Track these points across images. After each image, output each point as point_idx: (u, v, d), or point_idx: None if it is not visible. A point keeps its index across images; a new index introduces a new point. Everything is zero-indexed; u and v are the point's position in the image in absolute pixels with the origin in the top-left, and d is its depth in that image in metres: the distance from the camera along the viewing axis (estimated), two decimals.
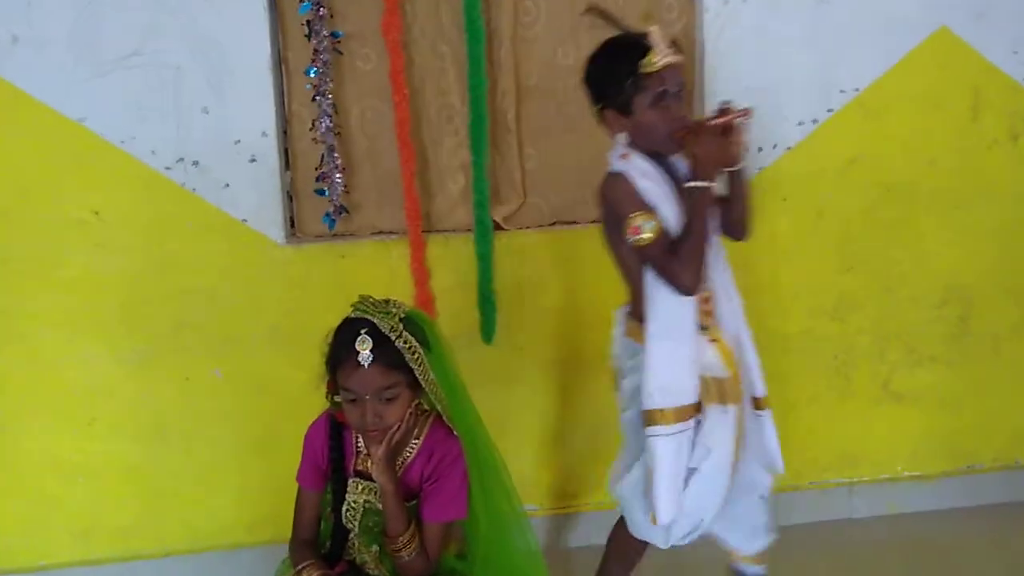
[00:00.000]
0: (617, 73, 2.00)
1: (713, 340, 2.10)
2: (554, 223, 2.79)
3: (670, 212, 2.01)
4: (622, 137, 2.05)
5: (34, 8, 2.43)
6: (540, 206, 2.78)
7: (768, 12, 2.69)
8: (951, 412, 2.98)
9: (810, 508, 2.94)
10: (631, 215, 1.97)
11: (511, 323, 2.74)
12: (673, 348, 2.03)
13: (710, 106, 2.70)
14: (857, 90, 2.78)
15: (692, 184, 1.99)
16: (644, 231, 1.96)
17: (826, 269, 2.86)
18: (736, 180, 2.15)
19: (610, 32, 2.10)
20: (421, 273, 2.67)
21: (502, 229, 2.72)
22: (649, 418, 2.03)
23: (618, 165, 2.04)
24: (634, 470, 2.15)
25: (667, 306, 2.02)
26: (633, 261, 2.07)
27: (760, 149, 2.76)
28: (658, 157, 2.06)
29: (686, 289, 1.99)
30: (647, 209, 1.97)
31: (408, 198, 2.63)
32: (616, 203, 2.02)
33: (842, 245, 2.87)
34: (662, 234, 1.97)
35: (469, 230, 2.68)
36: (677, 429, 2.03)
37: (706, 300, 2.09)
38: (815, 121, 2.77)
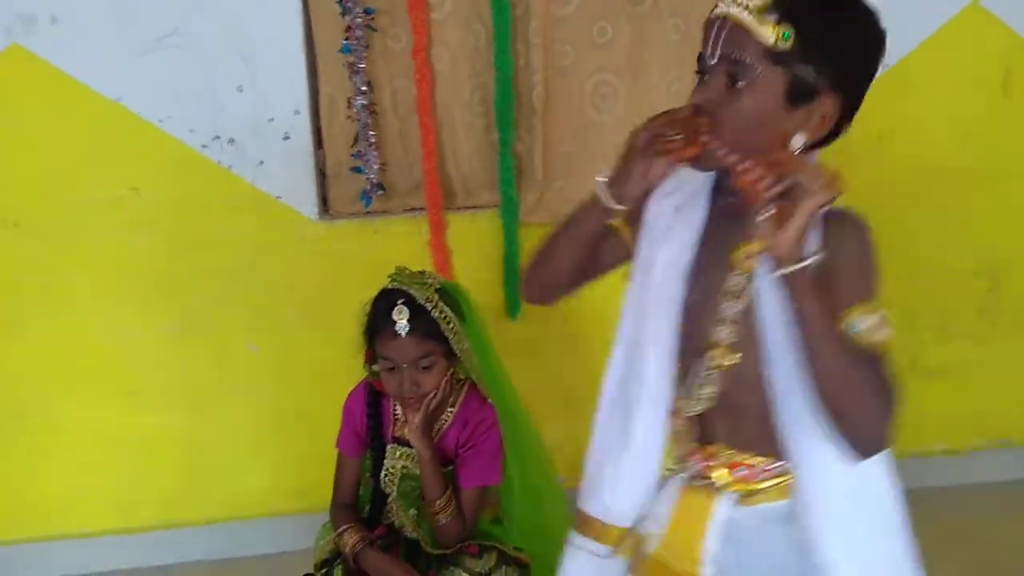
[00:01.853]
0: None
1: None
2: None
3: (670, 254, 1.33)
4: None
5: None
6: (569, 190, 2.77)
7: None
8: (981, 388, 2.98)
9: None
10: None
11: None
12: None
13: None
14: (887, 65, 2.78)
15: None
16: None
17: None
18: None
19: None
20: (441, 252, 2.71)
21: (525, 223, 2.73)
22: None
23: None
24: None
25: None
26: None
27: None
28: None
29: None
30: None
31: (428, 180, 2.67)
32: None
33: (871, 219, 2.87)
34: None
35: (496, 206, 2.71)
36: None
37: None
38: None
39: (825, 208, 1.16)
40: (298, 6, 2.56)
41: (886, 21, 2.83)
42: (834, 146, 2.81)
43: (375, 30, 2.61)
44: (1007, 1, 2.77)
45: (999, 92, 2.83)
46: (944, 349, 2.95)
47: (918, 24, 2.77)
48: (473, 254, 2.74)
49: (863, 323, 1.22)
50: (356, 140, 2.65)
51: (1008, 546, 2.71)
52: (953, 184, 2.87)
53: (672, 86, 2.75)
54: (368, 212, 2.70)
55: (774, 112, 1.20)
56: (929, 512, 2.80)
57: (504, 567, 1.84)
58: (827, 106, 1.24)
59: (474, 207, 2.75)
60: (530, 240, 2.74)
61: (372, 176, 2.67)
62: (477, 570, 1.83)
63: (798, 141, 1.20)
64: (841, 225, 1.25)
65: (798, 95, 1.19)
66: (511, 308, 2.77)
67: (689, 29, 2.70)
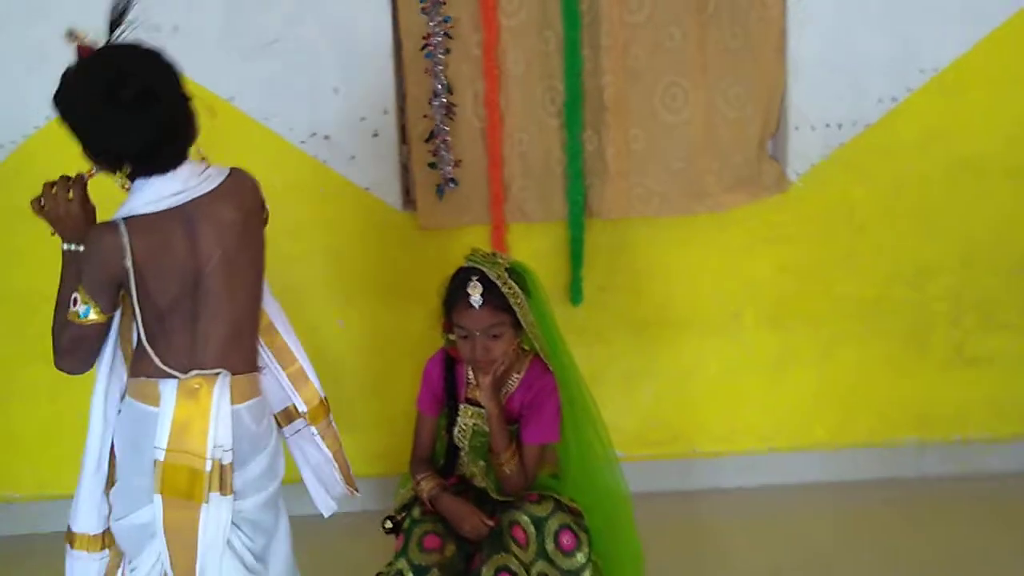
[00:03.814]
0: None
1: None
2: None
3: None
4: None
5: (192, 2, 2.80)
6: (638, 186, 2.95)
7: None
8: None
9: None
10: None
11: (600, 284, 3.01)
12: None
13: (798, 85, 2.90)
14: (936, 69, 2.93)
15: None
16: None
17: (904, 239, 3.03)
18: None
19: None
20: (500, 245, 2.93)
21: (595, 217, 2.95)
22: (325, 405, 2.01)
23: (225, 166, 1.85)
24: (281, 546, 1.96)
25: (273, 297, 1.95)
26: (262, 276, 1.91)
27: (840, 126, 2.95)
28: None
29: None
30: None
31: (492, 167, 2.89)
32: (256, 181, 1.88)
33: (920, 217, 3.03)
34: None
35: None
36: None
37: None
38: (894, 99, 2.94)
39: None
40: (388, 15, 2.83)
41: (935, 28, 3.00)
42: (883, 147, 2.98)
43: (452, 36, 2.85)
44: None
45: None
46: (988, 339, 3.07)
47: (965, 31, 2.90)
48: (543, 242, 2.97)
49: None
50: (431, 137, 2.91)
51: None
52: (999, 183, 3.00)
53: (731, 89, 2.93)
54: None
55: None
56: (967, 496, 2.98)
57: (559, 513, 2.06)
58: None
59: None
60: (596, 233, 2.97)
61: (446, 170, 2.92)
62: (536, 514, 2.05)
63: None
64: None
65: None
66: (574, 295, 3.00)
67: (748, 36, 2.89)
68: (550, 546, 2.04)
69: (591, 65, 2.86)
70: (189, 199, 1.73)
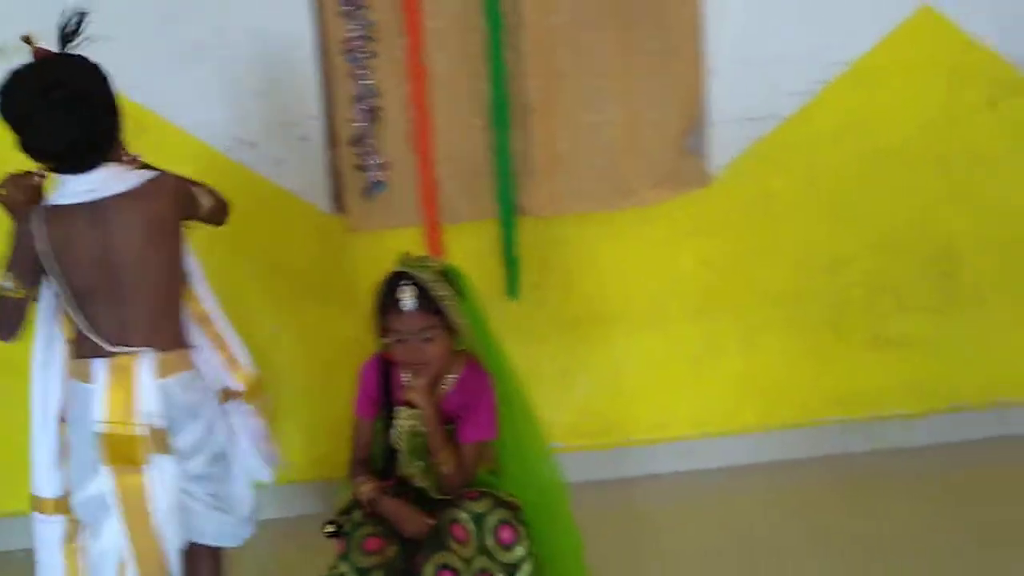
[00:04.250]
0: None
1: None
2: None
3: None
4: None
5: (115, 10, 2.74)
6: (563, 184, 3.01)
7: None
8: (937, 356, 3.24)
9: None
10: (194, 184, 2.08)
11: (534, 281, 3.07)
12: None
13: (716, 81, 2.99)
14: (848, 63, 3.04)
15: None
16: None
17: (820, 228, 3.14)
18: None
19: None
20: (436, 246, 2.97)
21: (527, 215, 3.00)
22: (259, 383, 2.21)
23: (151, 171, 2.03)
24: (236, 486, 2.16)
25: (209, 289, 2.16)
26: (180, 267, 2.06)
27: (757, 119, 3.04)
28: None
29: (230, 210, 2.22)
30: None
31: (423, 170, 2.92)
32: (185, 189, 2.05)
33: (835, 206, 3.15)
34: None
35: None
36: None
37: None
38: (809, 92, 3.04)
39: None
40: (310, 19, 2.83)
41: (850, 18, 3.11)
42: (798, 139, 3.09)
43: (375, 39, 2.86)
44: (956, 4, 3.02)
45: (950, 86, 3.09)
46: (903, 322, 3.21)
47: (879, 21, 3.02)
48: (474, 242, 3.01)
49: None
50: (358, 141, 2.92)
51: (962, 501, 2.96)
52: (910, 171, 3.13)
53: (652, 90, 3.00)
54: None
55: None
56: (891, 469, 3.12)
57: (498, 509, 2.09)
58: None
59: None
60: (527, 231, 3.02)
61: (373, 173, 2.94)
62: (476, 511, 2.08)
63: None
64: None
65: None
66: (511, 291, 3.05)
67: (666, 36, 2.96)
68: (490, 541, 2.08)
69: (515, 67, 2.91)
70: (100, 197, 1.91)
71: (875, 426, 3.28)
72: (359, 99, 2.90)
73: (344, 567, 2.08)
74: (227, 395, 2.17)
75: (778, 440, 3.22)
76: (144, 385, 1.94)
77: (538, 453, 2.33)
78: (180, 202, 2.03)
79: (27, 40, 1.91)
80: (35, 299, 1.99)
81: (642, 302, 3.12)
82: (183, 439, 2.00)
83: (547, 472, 2.33)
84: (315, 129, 2.91)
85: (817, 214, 3.13)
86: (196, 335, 2.12)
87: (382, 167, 2.95)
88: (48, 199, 1.94)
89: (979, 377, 3.28)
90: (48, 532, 2.08)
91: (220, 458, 2.11)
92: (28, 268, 1.93)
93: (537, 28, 2.89)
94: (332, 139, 2.96)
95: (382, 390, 2.25)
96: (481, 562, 2.07)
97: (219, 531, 2.13)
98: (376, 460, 2.30)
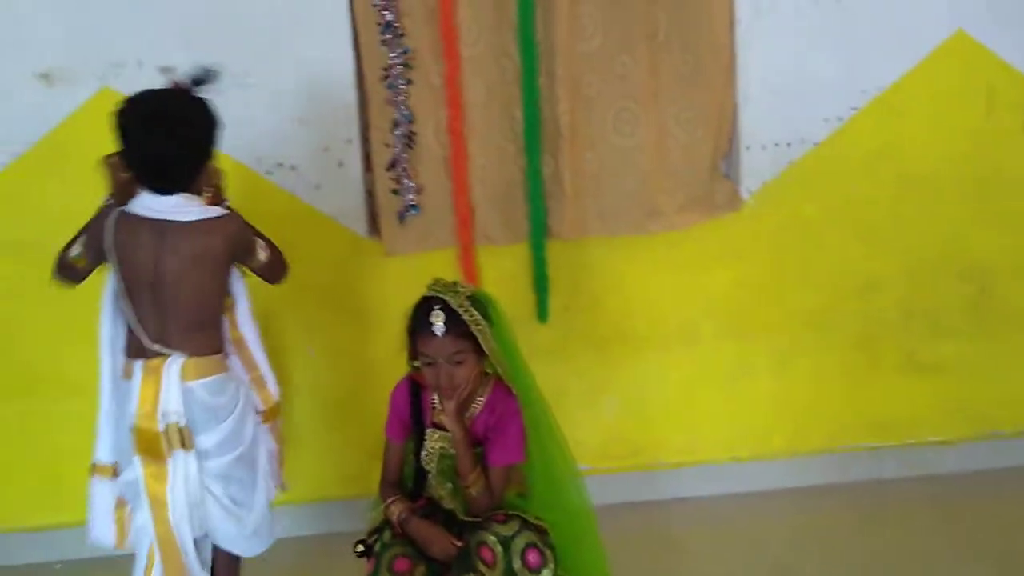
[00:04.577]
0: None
1: None
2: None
3: None
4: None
5: (156, 37, 2.86)
6: (594, 207, 3.05)
7: (795, 18, 2.98)
8: (971, 382, 3.22)
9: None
10: (257, 240, 2.27)
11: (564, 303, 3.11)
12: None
13: (749, 107, 3.01)
14: (879, 89, 3.05)
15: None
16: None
17: (853, 252, 3.14)
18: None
19: None
20: (470, 269, 3.03)
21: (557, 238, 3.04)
22: (277, 410, 2.38)
23: (215, 210, 2.20)
24: (259, 492, 2.30)
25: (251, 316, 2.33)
26: (223, 297, 2.25)
27: (789, 144, 3.06)
28: None
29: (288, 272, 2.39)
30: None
31: (458, 193, 2.97)
32: (244, 237, 2.24)
33: (868, 231, 3.15)
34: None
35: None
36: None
37: None
38: (840, 118, 3.05)
39: None
40: (350, 47, 2.90)
41: (880, 46, 3.12)
42: (831, 165, 3.10)
43: (412, 67, 2.93)
44: (990, 28, 3.03)
45: (983, 112, 3.08)
46: (936, 347, 3.20)
47: (907, 51, 3.03)
48: (507, 264, 3.06)
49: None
50: (393, 165, 2.98)
51: (1000, 531, 2.92)
52: (943, 197, 3.13)
53: (683, 114, 3.04)
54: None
55: None
56: (923, 497, 3.09)
57: (525, 531, 2.12)
58: None
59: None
60: (558, 253, 3.07)
61: (408, 197, 3.00)
62: (503, 534, 2.11)
63: None
64: None
65: None
66: (541, 313, 3.09)
67: (698, 62, 3.00)
68: (517, 564, 2.11)
69: (547, 92, 2.95)
70: (164, 219, 2.13)
71: (907, 452, 3.26)
72: (395, 125, 2.96)
73: None
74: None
75: (809, 465, 3.22)
76: (170, 386, 2.12)
77: (566, 476, 2.36)
78: (235, 246, 2.22)
79: (170, 75, 2.27)
80: (92, 270, 2.24)
81: (672, 325, 3.15)
82: (206, 439, 2.16)
83: (575, 495, 2.36)
84: (352, 154, 2.97)
85: (850, 238, 3.13)
86: (231, 355, 2.29)
87: (417, 191, 3.01)
88: (128, 207, 2.17)
89: (1014, 403, 3.25)
90: (101, 495, 2.29)
91: (245, 463, 2.25)
92: (94, 249, 2.20)
93: (569, 53, 2.94)
94: (368, 164, 3.02)
95: (412, 412, 2.30)
96: None
97: (233, 535, 2.26)
98: (406, 481, 2.35)
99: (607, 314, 3.15)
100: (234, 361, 2.30)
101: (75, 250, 2.22)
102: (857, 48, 3.01)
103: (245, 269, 2.31)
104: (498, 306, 2.29)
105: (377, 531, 2.27)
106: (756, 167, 3.07)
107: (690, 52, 3.00)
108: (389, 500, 2.26)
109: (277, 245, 2.35)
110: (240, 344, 2.32)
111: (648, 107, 3.02)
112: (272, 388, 2.36)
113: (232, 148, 2.87)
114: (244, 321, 2.32)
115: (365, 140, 3.01)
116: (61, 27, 2.83)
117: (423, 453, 2.28)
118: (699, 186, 3.08)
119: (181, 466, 2.13)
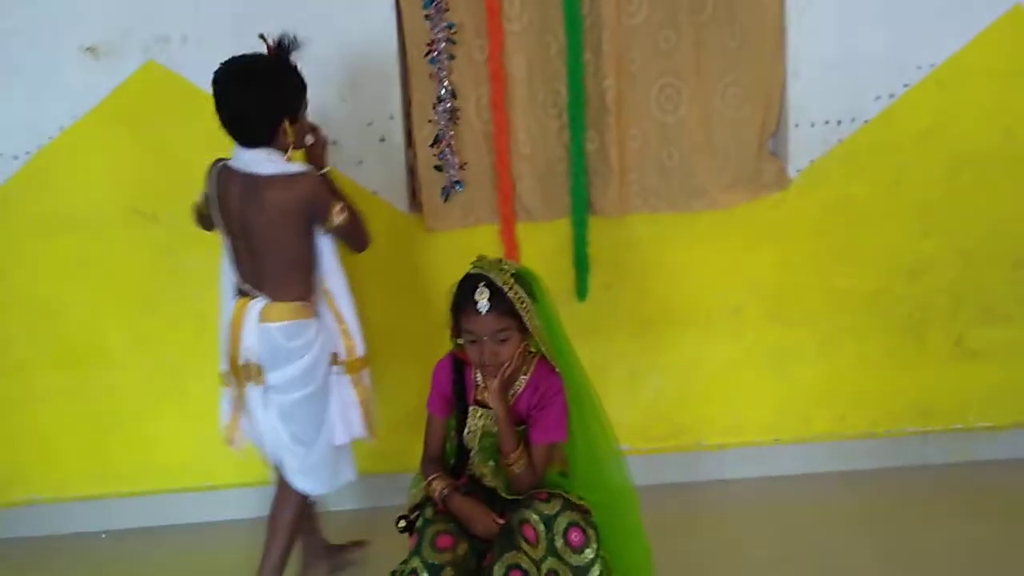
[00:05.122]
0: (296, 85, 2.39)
1: None
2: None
3: None
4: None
5: (200, 11, 2.86)
6: (636, 183, 3.02)
7: None
8: (1022, 367, 3.15)
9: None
10: (335, 202, 2.37)
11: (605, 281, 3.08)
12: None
13: (797, 83, 2.95)
14: (933, 65, 2.97)
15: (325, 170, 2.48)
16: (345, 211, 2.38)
17: (903, 233, 3.08)
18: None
19: None
20: (511, 244, 3.01)
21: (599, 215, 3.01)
22: (360, 363, 2.48)
23: (293, 167, 2.35)
24: (325, 429, 2.46)
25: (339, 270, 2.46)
26: (307, 248, 2.39)
27: (839, 122, 2.99)
28: None
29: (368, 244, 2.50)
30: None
31: (500, 171, 2.96)
32: (320, 199, 2.35)
33: (918, 211, 3.08)
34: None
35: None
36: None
37: None
38: (892, 95, 2.98)
39: None
40: (393, 22, 2.89)
41: (935, 21, 3.04)
42: (881, 143, 3.03)
43: (455, 42, 2.91)
44: None
45: None
46: (987, 331, 3.13)
47: (961, 27, 2.95)
48: (547, 241, 3.04)
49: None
50: (436, 141, 2.97)
51: None
52: (997, 177, 3.05)
53: (728, 89, 2.99)
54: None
55: None
56: (970, 484, 3.04)
57: (568, 511, 2.11)
58: None
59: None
60: (600, 231, 3.03)
61: (452, 173, 2.98)
62: (546, 512, 2.10)
63: None
64: None
65: None
66: (580, 292, 3.07)
67: (745, 36, 2.95)
68: (559, 543, 2.10)
69: (592, 68, 2.91)
70: (248, 171, 2.32)
71: (955, 438, 3.20)
72: (438, 101, 2.94)
73: (416, 562, 2.13)
74: (334, 360, 2.46)
75: (852, 449, 3.18)
76: (249, 325, 2.35)
77: (608, 456, 2.34)
78: (310, 205, 2.33)
79: (262, 37, 2.37)
80: (209, 216, 2.45)
81: (716, 305, 3.11)
82: (276, 376, 2.37)
83: (617, 476, 2.34)
84: (395, 130, 2.96)
85: (900, 219, 3.07)
86: (321, 305, 2.44)
87: (459, 167, 2.99)
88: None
89: None
90: (224, 396, 2.52)
91: (310, 406, 2.41)
92: (207, 198, 2.44)
93: (615, 28, 2.89)
94: (410, 140, 3.00)
95: (455, 389, 2.30)
96: (551, 563, 2.09)
97: (290, 468, 2.46)
98: (448, 458, 2.34)
99: (649, 293, 3.12)
100: (325, 310, 2.43)
101: (199, 199, 2.46)
102: (910, 22, 2.93)
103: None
104: (542, 283, 2.27)
105: (418, 507, 2.28)
106: (804, 145, 3.01)
107: (737, 26, 2.94)
108: (431, 476, 2.26)
109: (360, 216, 2.46)
110: (327, 295, 2.45)
111: (692, 83, 2.98)
112: (358, 341, 2.47)
113: None
114: (330, 275, 2.44)
115: (407, 116, 2.99)
116: (106, 1, 2.83)
117: (465, 431, 2.28)
118: (745, 164, 3.03)
119: (252, 394, 2.39)
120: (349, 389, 2.48)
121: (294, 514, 2.51)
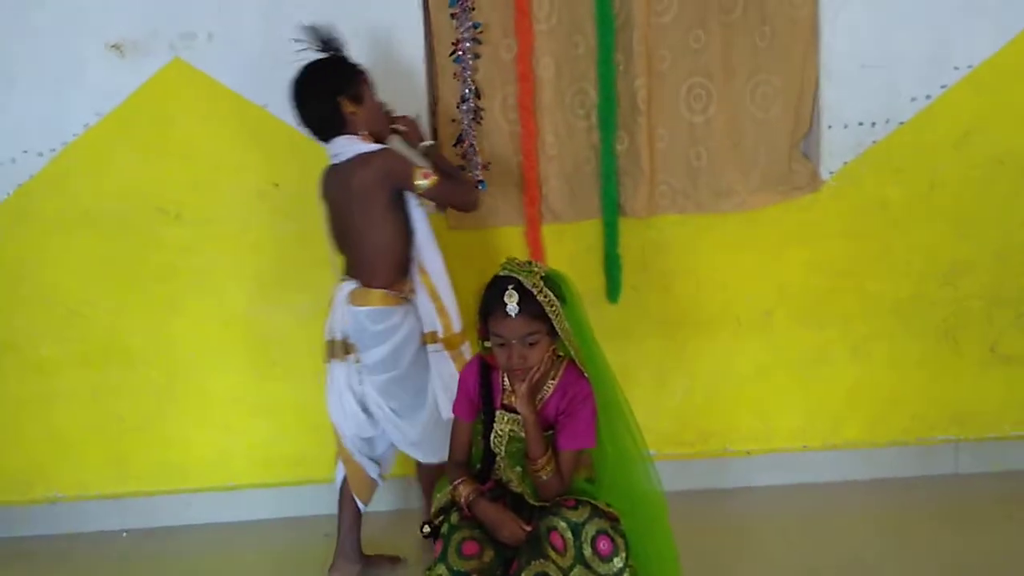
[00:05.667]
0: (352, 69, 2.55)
1: None
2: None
3: None
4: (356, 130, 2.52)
5: (227, 8, 2.83)
6: (665, 187, 2.98)
7: None
8: None
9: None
10: (416, 168, 2.48)
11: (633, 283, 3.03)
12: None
13: (831, 84, 2.89)
14: (970, 67, 2.91)
15: (425, 144, 2.69)
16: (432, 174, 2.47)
17: (938, 236, 3.01)
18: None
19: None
20: (536, 246, 2.98)
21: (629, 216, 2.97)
22: (458, 339, 2.55)
23: (370, 146, 2.50)
24: (427, 405, 2.58)
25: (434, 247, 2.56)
26: (395, 232, 2.51)
27: (874, 124, 2.94)
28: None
29: (476, 203, 2.63)
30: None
31: (527, 173, 2.93)
32: (398, 167, 2.47)
33: (954, 214, 3.01)
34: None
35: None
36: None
37: None
38: (928, 97, 2.92)
39: None
40: (421, 21, 2.85)
41: (972, 22, 2.98)
42: (917, 145, 2.96)
43: (481, 42, 2.87)
44: None
45: None
46: (1021, 337, 3.06)
47: (1000, 28, 2.88)
48: (574, 243, 3.00)
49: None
50: (459, 141, 2.93)
51: None
52: None
53: (758, 89, 2.93)
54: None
55: None
56: (1004, 494, 2.97)
57: (596, 518, 2.07)
58: None
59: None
60: (628, 232, 2.99)
61: (475, 173, 2.94)
62: (574, 520, 2.06)
63: None
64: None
65: None
66: (612, 293, 3.02)
67: (776, 36, 2.89)
68: (588, 552, 2.06)
69: (622, 68, 2.87)
70: (336, 161, 2.53)
71: (990, 446, 3.13)
72: (462, 100, 2.91)
73: (441, 569, 2.09)
74: (432, 338, 2.56)
75: (885, 457, 3.11)
76: (340, 307, 2.52)
77: (637, 463, 2.29)
78: (389, 176, 2.46)
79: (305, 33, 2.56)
80: None
81: (746, 308, 3.06)
82: (368, 356, 2.52)
83: (645, 483, 2.29)
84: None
85: (934, 222, 3.01)
86: (417, 283, 2.55)
87: (483, 167, 2.95)
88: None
89: None
90: (330, 373, 2.62)
91: (403, 385, 2.54)
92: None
93: (645, 28, 2.85)
94: (435, 138, 2.97)
95: (482, 393, 2.25)
96: (578, 572, 2.05)
97: (399, 440, 2.62)
98: (475, 462, 2.30)
99: (677, 295, 3.07)
100: (420, 289, 2.54)
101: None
102: (947, 22, 2.88)
103: (425, 201, 2.55)
104: (572, 286, 2.23)
105: (443, 511, 2.24)
106: (837, 147, 2.95)
107: (768, 25, 2.90)
108: (457, 481, 2.22)
109: (456, 178, 2.62)
110: (423, 273, 2.54)
111: (721, 83, 2.93)
112: (454, 317, 2.54)
113: (298, 122, 2.86)
114: (424, 250, 2.54)
115: (433, 114, 2.96)
116: None
117: (492, 436, 2.23)
118: (776, 165, 2.98)
119: (336, 370, 2.56)
120: (449, 364, 2.55)
121: (437, 473, 2.53)
